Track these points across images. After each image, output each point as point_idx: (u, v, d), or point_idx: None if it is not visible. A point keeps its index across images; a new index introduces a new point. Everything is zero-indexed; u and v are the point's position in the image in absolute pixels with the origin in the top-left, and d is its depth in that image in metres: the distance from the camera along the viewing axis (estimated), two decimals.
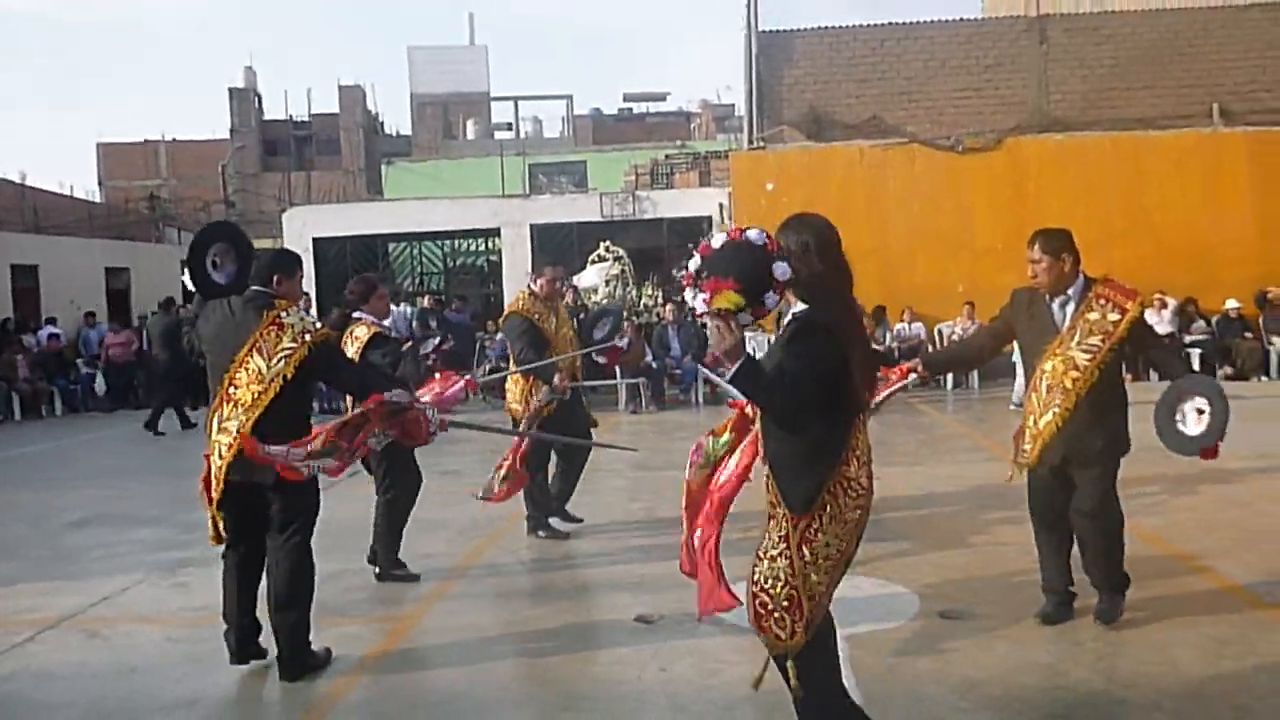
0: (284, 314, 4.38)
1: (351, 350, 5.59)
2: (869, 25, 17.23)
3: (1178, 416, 4.47)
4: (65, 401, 16.68)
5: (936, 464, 8.61)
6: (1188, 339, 14.60)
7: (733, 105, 36.98)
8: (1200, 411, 4.40)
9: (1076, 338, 4.48)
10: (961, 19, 17.38)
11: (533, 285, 6.86)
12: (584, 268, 16.78)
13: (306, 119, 44.28)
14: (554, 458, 6.91)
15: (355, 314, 5.74)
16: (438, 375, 5.48)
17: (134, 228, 27.67)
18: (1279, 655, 4.29)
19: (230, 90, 42.88)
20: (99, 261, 22.09)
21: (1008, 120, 16.61)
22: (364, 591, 5.69)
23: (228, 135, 41.68)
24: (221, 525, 4.35)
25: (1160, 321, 13.96)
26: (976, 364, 6.29)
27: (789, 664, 3.00)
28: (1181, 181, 15.83)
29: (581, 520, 6.99)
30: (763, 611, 3.01)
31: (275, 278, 4.52)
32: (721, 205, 18.27)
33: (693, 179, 20.99)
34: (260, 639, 4.56)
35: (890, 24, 17.20)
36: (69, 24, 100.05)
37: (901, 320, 15.25)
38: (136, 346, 17.49)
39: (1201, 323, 15.00)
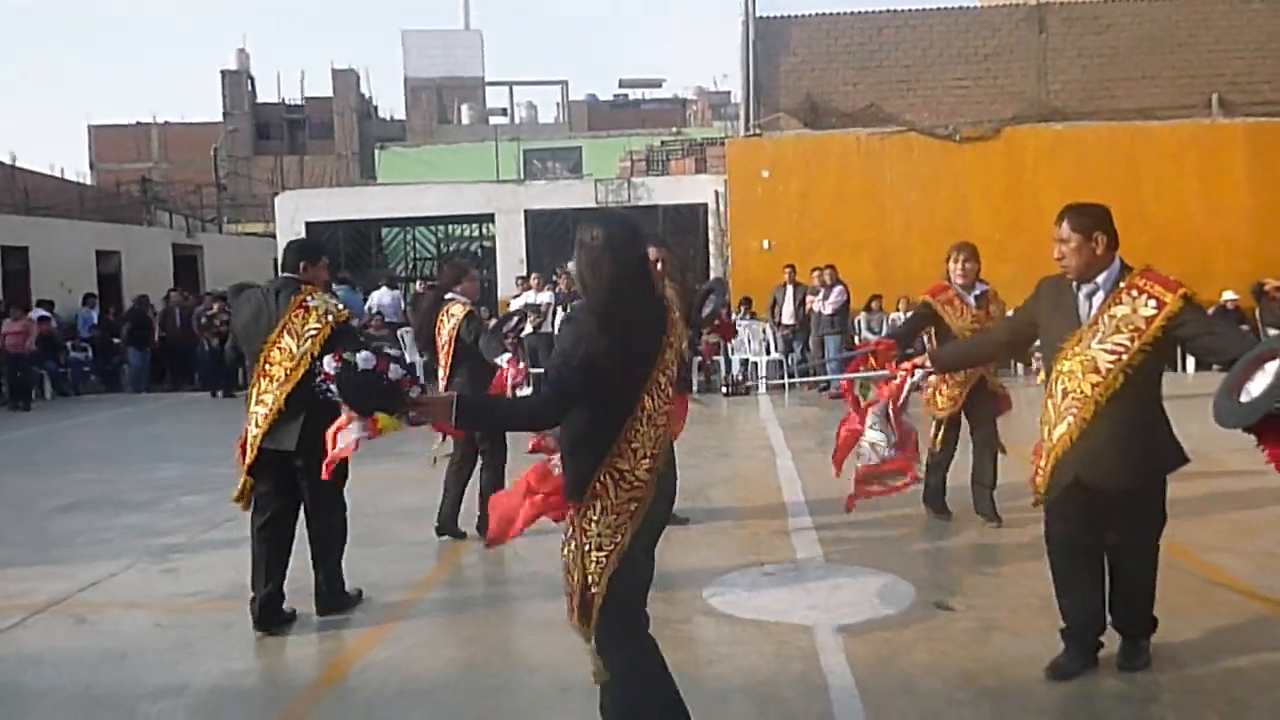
0: (310, 298, 4.83)
1: (448, 326, 6.21)
2: (867, 13, 17.15)
3: (1245, 389, 3.35)
4: (55, 385, 16.59)
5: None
6: None
7: (729, 92, 36.91)
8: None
9: (1100, 335, 3.78)
10: (960, 7, 17.29)
11: None
12: None
13: (300, 102, 44.08)
14: None
15: (448, 295, 6.35)
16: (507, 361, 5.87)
17: (125, 210, 27.48)
18: (1274, 648, 4.28)
19: (223, 73, 42.69)
20: (90, 244, 21.94)
21: (1006, 110, 16.56)
22: (353, 579, 5.64)
23: (220, 118, 41.48)
24: (251, 491, 4.88)
25: None
26: (990, 360, 5.69)
27: (597, 654, 3.05)
28: (1179, 172, 15.82)
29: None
30: (566, 597, 3.10)
31: (301, 264, 4.98)
32: (717, 193, 18.21)
33: (688, 166, 20.92)
34: (284, 608, 4.89)
35: (888, 11, 17.11)
36: (60, 4, 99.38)
37: (897, 309, 15.22)
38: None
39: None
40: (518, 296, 15.67)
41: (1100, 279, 3.89)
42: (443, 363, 6.31)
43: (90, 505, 8.01)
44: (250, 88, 43.49)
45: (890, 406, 4.87)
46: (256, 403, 4.81)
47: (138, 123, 42.97)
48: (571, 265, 3.08)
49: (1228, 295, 14.78)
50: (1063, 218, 3.97)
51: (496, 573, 5.81)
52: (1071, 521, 3.95)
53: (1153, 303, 3.74)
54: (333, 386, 3.11)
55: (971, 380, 6.26)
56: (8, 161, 23.86)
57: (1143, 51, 16.46)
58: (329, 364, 3.12)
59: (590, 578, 3.01)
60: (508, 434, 6.24)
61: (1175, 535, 5.91)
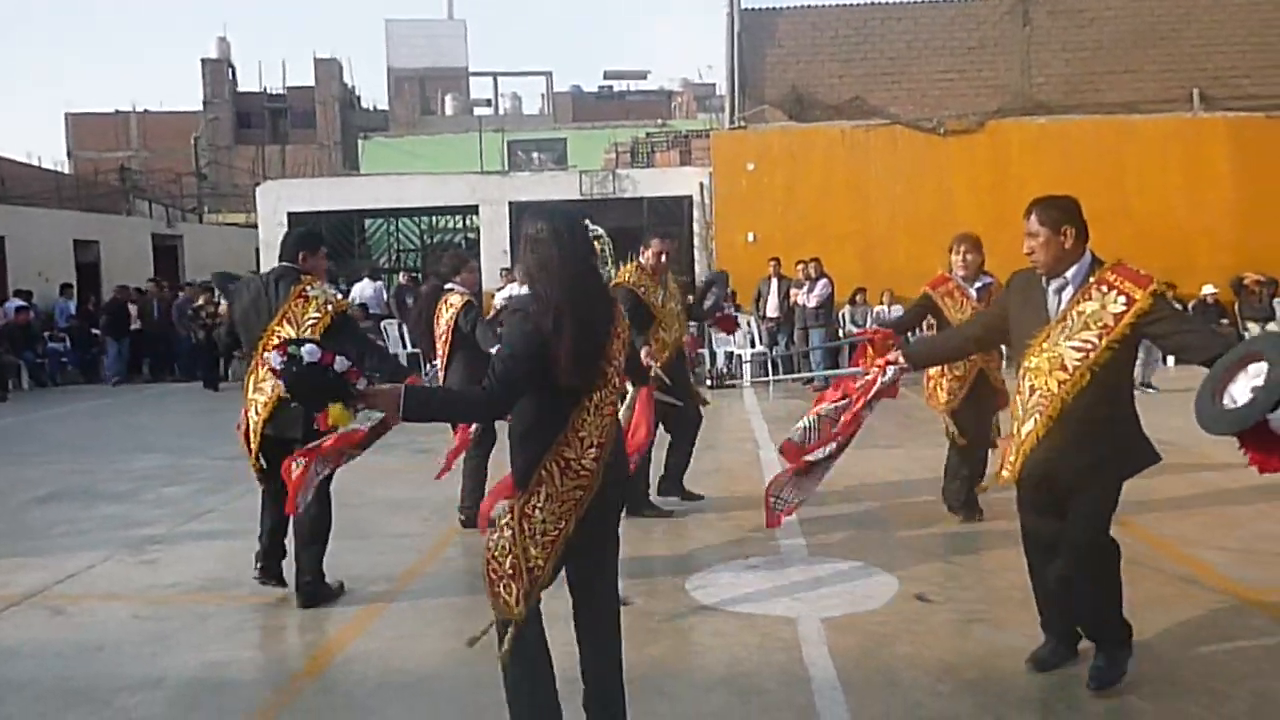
0: (309, 288, 4.92)
1: (446, 316, 6.30)
2: (852, 5, 17.16)
3: (1227, 393, 3.32)
4: (32, 375, 16.44)
5: (916, 447, 8.60)
6: None
7: (714, 84, 36.83)
8: (1256, 383, 3.22)
9: (1067, 331, 3.67)
10: (945, 0, 17.32)
11: (640, 257, 6.65)
12: None
13: (281, 91, 43.74)
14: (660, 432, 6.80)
15: (448, 285, 6.44)
16: None
17: (103, 200, 27.22)
18: (1253, 640, 4.30)
19: (203, 61, 42.32)
20: (68, 233, 21.72)
21: (990, 103, 16.60)
22: (337, 571, 5.60)
23: (201, 107, 41.14)
24: (258, 466, 5.00)
25: None
26: (962, 356, 5.50)
27: (507, 632, 3.16)
28: (1162, 166, 15.90)
29: (703, 497, 6.98)
30: (493, 577, 3.15)
31: (301, 254, 5.07)
32: (702, 185, 18.18)
33: (673, 158, 20.87)
34: (283, 567, 5.16)
35: (873, 4, 17.13)
36: None
37: (881, 303, 15.25)
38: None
39: (1178, 307, 15.09)
40: (501, 289, 15.59)
41: (1070, 274, 3.75)
42: (440, 352, 6.37)
43: (68, 496, 7.93)
44: (231, 76, 43.14)
45: (854, 404, 4.35)
46: (255, 390, 4.89)
47: (117, 111, 42.56)
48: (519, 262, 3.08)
49: (1207, 289, 14.89)
50: (1031, 211, 3.82)
51: (479, 565, 5.76)
52: (1040, 517, 3.89)
53: (1122, 299, 3.61)
54: (279, 380, 3.09)
55: (971, 374, 6.12)
56: None
57: (1126, 46, 16.53)
58: (274, 358, 3.07)
59: (534, 564, 3.08)
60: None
61: (1156, 528, 5.97)
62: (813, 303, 13.88)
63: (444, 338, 6.30)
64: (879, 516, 6.49)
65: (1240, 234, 15.65)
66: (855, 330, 6.35)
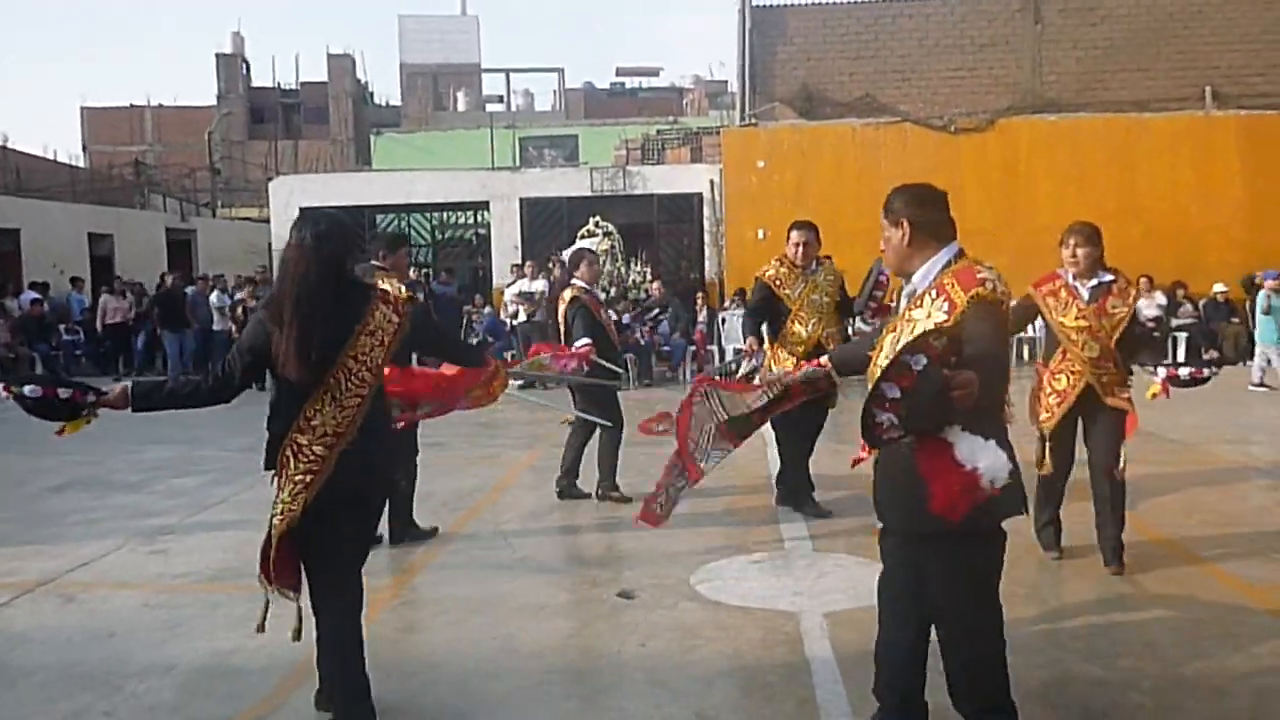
0: (379, 282, 5.33)
1: (560, 310, 6.87)
2: (863, 2, 17.15)
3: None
4: (47, 366, 16.56)
5: None
6: (1175, 323, 14.65)
7: (725, 81, 36.77)
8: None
9: (898, 343, 3.05)
10: None
11: (787, 249, 6.59)
12: (572, 242, 16.68)
13: (295, 87, 43.89)
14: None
15: (574, 280, 6.97)
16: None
17: (118, 193, 27.40)
18: (1256, 637, 4.31)
19: (218, 56, 42.51)
20: (82, 226, 21.86)
21: (1000, 100, 16.57)
22: None
23: (214, 101, 41.30)
24: None
25: (1149, 305, 14.00)
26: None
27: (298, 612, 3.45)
28: (1173, 164, 15.85)
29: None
30: (262, 557, 3.42)
31: (381, 253, 5.72)
32: (713, 182, 18.19)
33: (684, 155, 20.90)
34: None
35: (884, 1, 17.11)
36: None
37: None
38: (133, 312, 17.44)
39: (1189, 306, 15.04)
40: (512, 284, 15.66)
41: (917, 276, 3.18)
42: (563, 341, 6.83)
43: (81, 485, 8.02)
44: (245, 71, 43.31)
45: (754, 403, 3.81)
46: None
47: (131, 105, 42.75)
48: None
49: (1218, 287, 14.84)
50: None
51: (485, 558, 5.82)
52: (886, 556, 3.32)
53: (946, 306, 3.01)
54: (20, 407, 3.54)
55: (1078, 386, 5.08)
56: None
57: (1138, 43, 16.47)
58: (1, 393, 3.51)
59: (271, 536, 3.37)
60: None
61: (1161, 526, 5.97)
62: None
63: (563, 329, 6.70)
64: None
65: (1252, 232, 15.58)
66: (865, 329, 6.23)
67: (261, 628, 3.49)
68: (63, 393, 3.52)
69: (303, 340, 3.25)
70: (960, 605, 3.12)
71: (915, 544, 3.13)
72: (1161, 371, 5.05)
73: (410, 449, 5.88)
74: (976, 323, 2.94)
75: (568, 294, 6.94)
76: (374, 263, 5.67)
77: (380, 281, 5.28)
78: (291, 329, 3.26)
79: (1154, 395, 5.04)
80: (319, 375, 3.31)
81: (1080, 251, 5.14)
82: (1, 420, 11.71)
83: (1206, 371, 5.08)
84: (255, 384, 3.59)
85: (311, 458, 3.32)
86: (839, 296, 6.66)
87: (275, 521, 3.36)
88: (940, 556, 3.07)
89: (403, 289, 5.35)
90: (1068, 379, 5.12)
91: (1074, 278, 5.17)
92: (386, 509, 5.84)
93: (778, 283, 6.48)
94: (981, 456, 2.95)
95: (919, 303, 3.09)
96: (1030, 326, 6.38)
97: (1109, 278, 5.14)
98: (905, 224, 3.19)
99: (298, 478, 3.32)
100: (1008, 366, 3.13)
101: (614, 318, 7.85)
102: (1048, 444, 5.21)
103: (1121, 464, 5.08)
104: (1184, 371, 5.05)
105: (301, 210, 3.81)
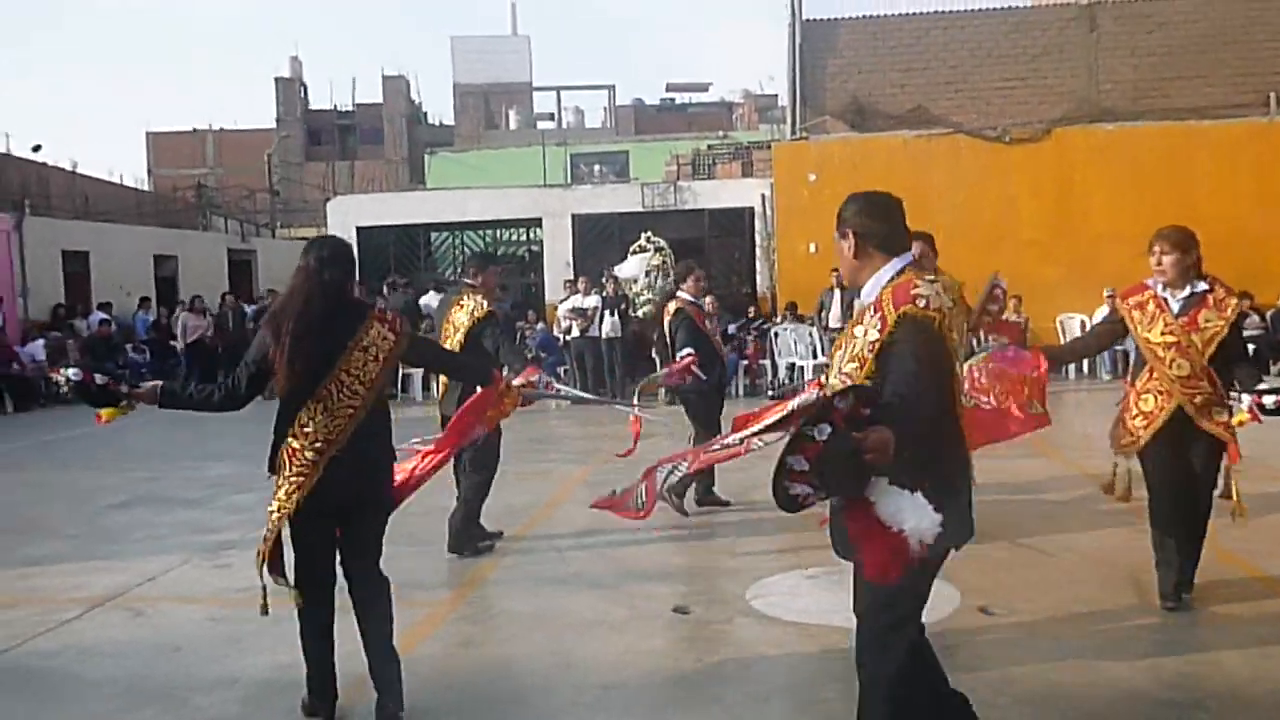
0: (465, 297, 6.12)
1: (458, 319, 6.32)
2: (913, 14, 17.03)
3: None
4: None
5: (977, 459, 8.48)
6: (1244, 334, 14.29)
7: (775, 95, 36.72)
8: None
9: (843, 357, 3.00)
10: (1009, 6, 17.10)
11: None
12: (624, 258, 16.75)
13: (350, 108, 44.71)
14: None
15: (679, 292, 7.15)
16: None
17: (181, 215, 28.07)
18: None
19: (276, 80, 43.43)
20: (147, 248, 22.44)
21: (1055, 110, 16.35)
22: (397, 575, 5.71)
23: (273, 124, 42.17)
24: None
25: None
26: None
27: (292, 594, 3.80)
28: (1234, 172, 15.50)
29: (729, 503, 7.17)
30: (261, 546, 3.79)
31: (472, 270, 6.32)
32: (763, 196, 18.17)
33: (734, 170, 20.88)
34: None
35: (935, 12, 16.98)
36: (117, 12, 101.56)
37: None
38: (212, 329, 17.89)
39: (1255, 317, 14.69)
40: (565, 300, 15.77)
41: (865, 289, 3.02)
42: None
43: (143, 502, 8.21)
44: (303, 95, 44.19)
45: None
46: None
47: (194, 129, 43.85)
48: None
49: None
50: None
51: (539, 573, 5.86)
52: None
53: (879, 323, 2.89)
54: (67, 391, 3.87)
55: (1166, 408, 4.60)
56: (69, 168, 24.48)
57: (1195, 50, 16.16)
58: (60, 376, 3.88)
59: (267, 531, 3.73)
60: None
61: (1224, 542, 5.83)
62: None
63: (453, 341, 6.18)
64: None
65: None
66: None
67: (264, 610, 3.85)
68: (99, 379, 3.84)
69: (293, 355, 3.57)
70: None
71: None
72: (1246, 398, 4.42)
73: (486, 463, 6.20)
74: (901, 344, 2.81)
75: (672, 305, 7.06)
76: (465, 280, 6.24)
77: (468, 298, 6.09)
78: (284, 344, 3.58)
79: (1241, 423, 4.48)
80: (312, 387, 3.62)
81: (1167, 259, 4.65)
82: (67, 439, 12.06)
83: None
84: (264, 394, 3.80)
85: (303, 462, 3.63)
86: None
87: (272, 517, 3.71)
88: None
89: (484, 304, 5.96)
90: (1155, 400, 4.63)
91: (1163, 288, 4.69)
92: (455, 516, 6.16)
93: None
94: (907, 515, 2.81)
95: (860, 318, 2.98)
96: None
97: (1203, 287, 4.64)
98: (851, 235, 3.05)
99: (292, 479, 3.65)
100: (944, 389, 2.87)
101: (720, 328, 7.92)
102: (1128, 469, 4.84)
103: (1219, 491, 4.62)
104: (1270, 400, 4.33)
105: (312, 238, 4.08)
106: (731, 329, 7.15)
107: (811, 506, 2.83)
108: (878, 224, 3.04)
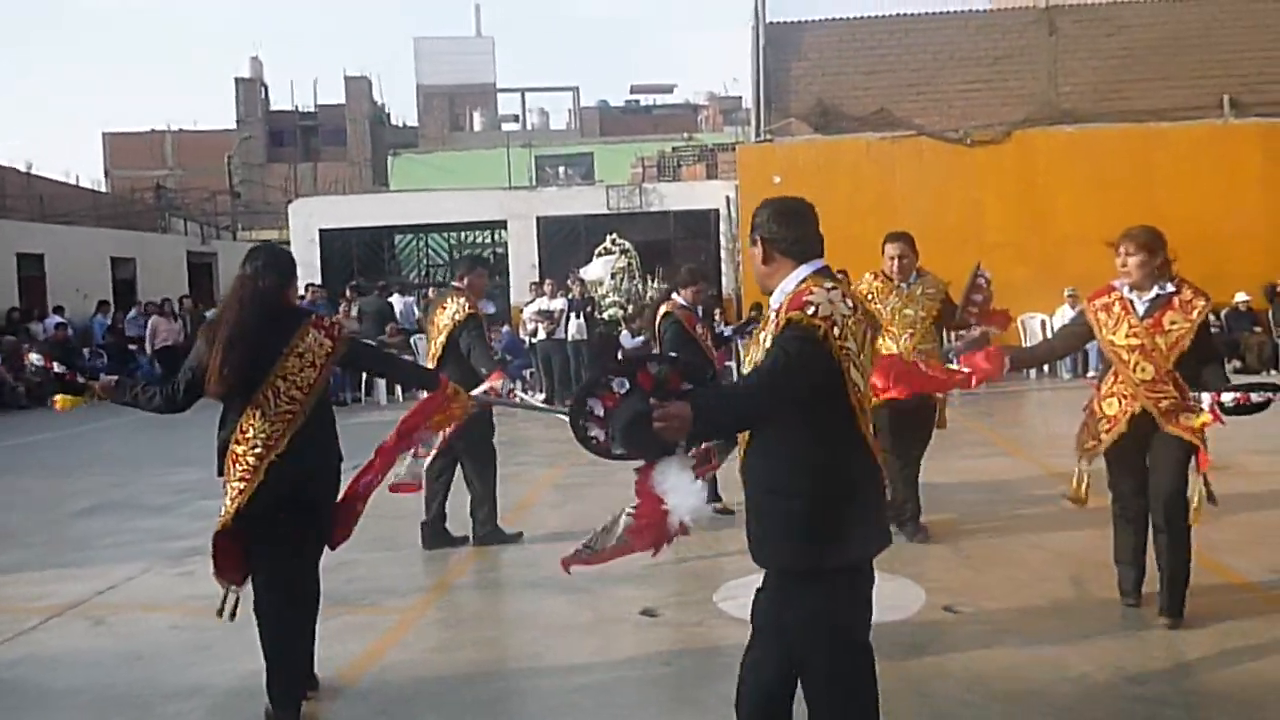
0: (449, 300, 6.26)
1: (443, 320, 6.40)
2: (877, 17, 17.16)
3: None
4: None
5: (944, 458, 8.57)
6: None
7: (740, 98, 36.88)
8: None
9: (751, 363, 3.03)
10: (970, 10, 17.30)
11: (883, 263, 6.22)
12: (590, 260, 16.75)
13: (313, 110, 44.31)
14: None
15: (673, 295, 7.09)
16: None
17: (139, 217, 27.70)
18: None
19: (237, 80, 42.96)
20: (105, 251, 22.11)
21: (1017, 112, 16.53)
22: (369, 581, 5.69)
23: (234, 125, 41.72)
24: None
25: None
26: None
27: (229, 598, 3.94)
28: (1193, 173, 15.76)
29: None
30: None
31: (460, 274, 6.48)
32: (729, 198, 18.24)
33: (700, 171, 20.97)
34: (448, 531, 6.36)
35: (898, 16, 17.12)
36: (74, 11, 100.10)
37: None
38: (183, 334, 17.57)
39: (1211, 317, 14.93)
40: (530, 302, 15.73)
41: (774, 295, 3.01)
42: (430, 353, 6.52)
43: (110, 508, 8.09)
44: (264, 95, 43.75)
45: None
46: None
47: (152, 130, 43.28)
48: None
49: (1240, 296, 14.74)
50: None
51: (511, 576, 5.84)
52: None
53: (774, 328, 2.89)
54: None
55: (1129, 412, 4.51)
56: (23, 169, 24.07)
57: (1155, 53, 16.42)
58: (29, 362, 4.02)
59: (215, 535, 3.81)
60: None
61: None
62: None
63: (436, 343, 6.34)
64: None
65: (1272, 241, 15.46)
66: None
67: (220, 613, 3.93)
68: (57, 367, 4.13)
69: (224, 361, 3.67)
70: (815, 649, 2.94)
71: (771, 578, 3.02)
72: (1206, 398, 4.29)
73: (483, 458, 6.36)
74: (775, 346, 2.81)
75: (664, 308, 7.04)
76: (453, 284, 6.43)
77: (451, 300, 6.22)
78: (217, 350, 3.69)
79: (1203, 425, 4.36)
80: (248, 392, 3.72)
81: (1132, 260, 4.55)
82: (31, 444, 11.85)
83: (1255, 396, 4.21)
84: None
85: (246, 466, 3.74)
86: (938, 309, 6.17)
87: (219, 521, 3.79)
88: (788, 597, 2.95)
89: (466, 307, 6.09)
90: (1119, 404, 4.54)
91: (1130, 290, 4.59)
92: (476, 514, 6.31)
93: (870, 297, 6.07)
94: (673, 492, 2.94)
95: (766, 323, 2.98)
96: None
97: (1170, 289, 4.53)
98: (759, 241, 3.04)
99: (236, 483, 3.75)
100: (836, 398, 2.82)
101: (713, 329, 7.78)
102: (1088, 473, 4.76)
103: (1196, 501, 4.43)
104: (1228, 398, 4.23)
105: (253, 248, 4.14)
106: (726, 331, 7.13)
107: (609, 455, 3.01)
108: (785, 230, 3.00)
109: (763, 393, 2.80)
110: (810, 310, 2.78)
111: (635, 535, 3.12)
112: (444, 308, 6.30)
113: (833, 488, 2.84)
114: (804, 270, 2.95)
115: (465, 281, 6.39)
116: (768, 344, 2.88)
